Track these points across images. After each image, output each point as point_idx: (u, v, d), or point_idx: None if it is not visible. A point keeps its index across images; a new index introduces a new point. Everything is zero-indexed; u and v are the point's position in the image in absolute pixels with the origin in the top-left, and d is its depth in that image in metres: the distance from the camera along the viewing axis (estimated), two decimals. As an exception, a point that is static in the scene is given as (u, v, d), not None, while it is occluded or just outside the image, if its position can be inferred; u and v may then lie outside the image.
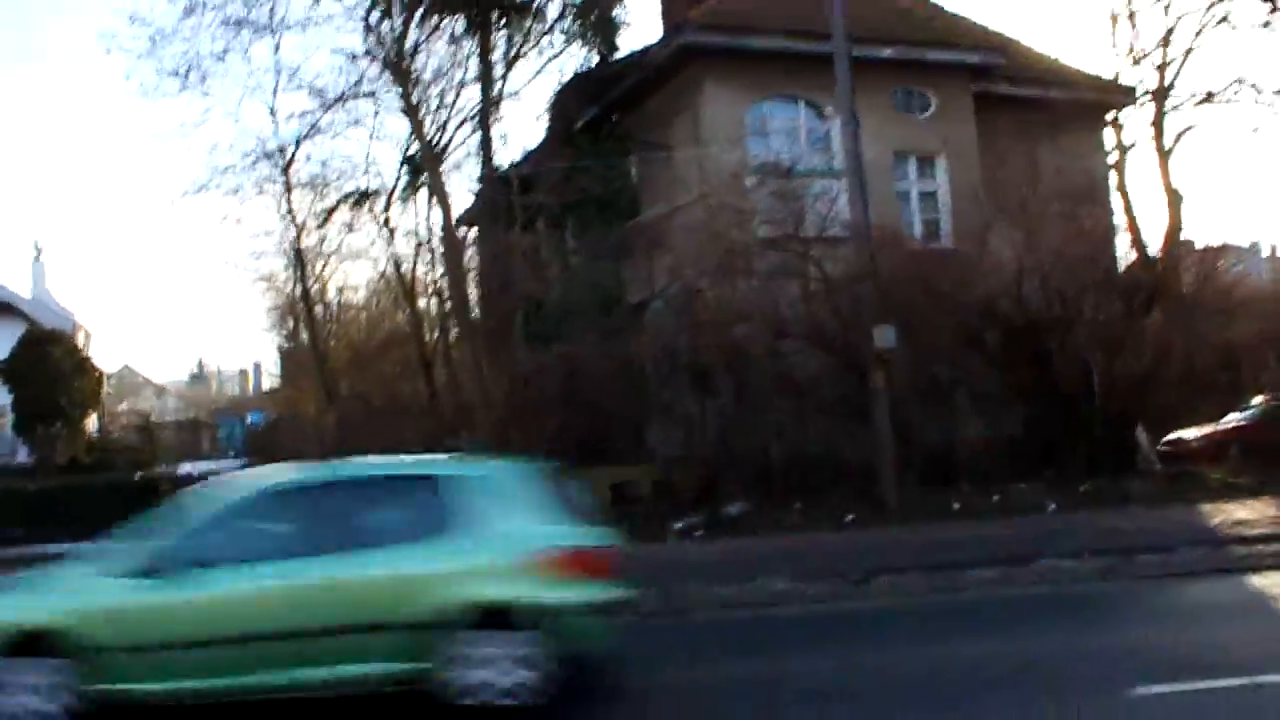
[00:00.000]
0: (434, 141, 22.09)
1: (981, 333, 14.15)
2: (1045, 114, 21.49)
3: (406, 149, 24.47)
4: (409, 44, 21.34)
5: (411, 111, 21.48)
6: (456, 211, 28.78)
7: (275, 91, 24.77)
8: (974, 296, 14.13)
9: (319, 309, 37.45)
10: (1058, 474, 14.40)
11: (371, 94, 22.00)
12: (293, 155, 25.11)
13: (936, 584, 10.16)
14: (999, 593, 9.92)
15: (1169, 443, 16.46)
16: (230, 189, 26.46)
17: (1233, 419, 18.16)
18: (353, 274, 45.08)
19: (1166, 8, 27.55)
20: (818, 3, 19.58)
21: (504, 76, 21.17)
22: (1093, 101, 22.59)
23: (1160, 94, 24.98)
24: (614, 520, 13.23)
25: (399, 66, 21.55)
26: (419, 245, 24.18)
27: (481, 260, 18.76)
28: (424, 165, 17.58)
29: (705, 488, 13.84)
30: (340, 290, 38.02)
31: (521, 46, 21.51)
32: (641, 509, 13.71)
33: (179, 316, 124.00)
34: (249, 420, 48.09)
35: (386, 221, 25.14)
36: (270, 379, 67.42)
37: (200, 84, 22.20)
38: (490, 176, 20.73)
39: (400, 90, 21.27)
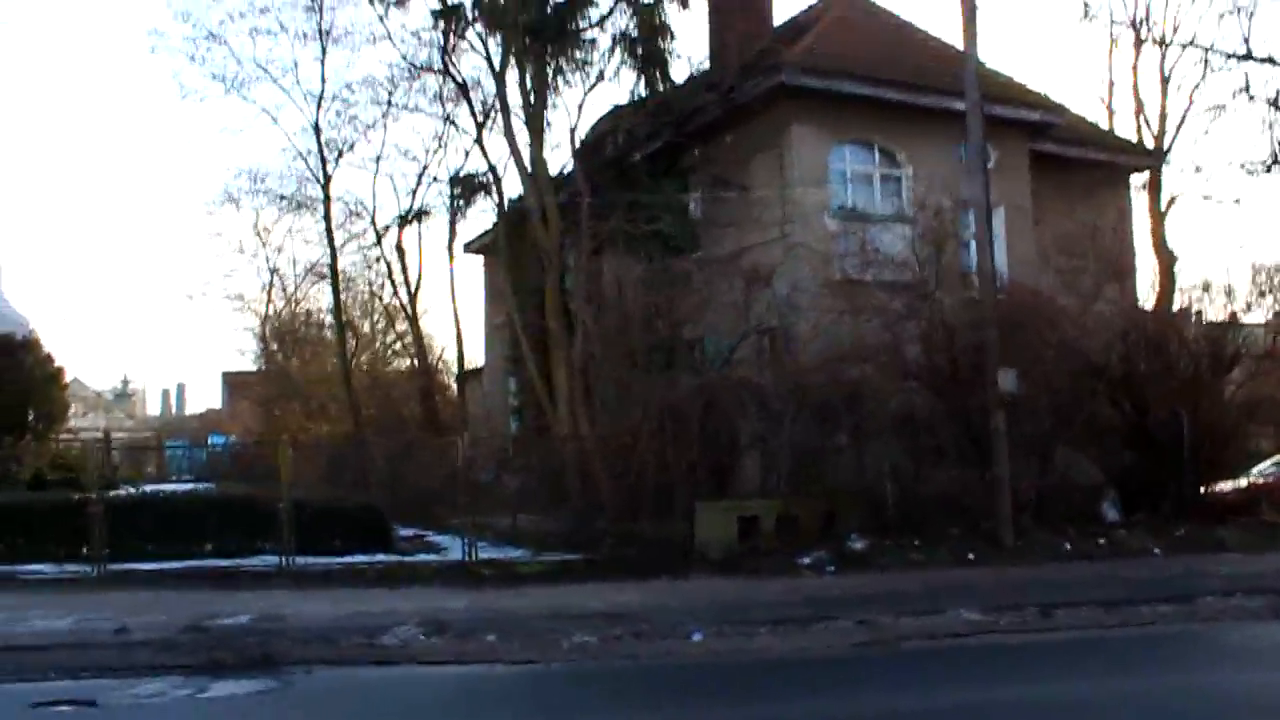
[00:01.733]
0: (494, 166, 22.28)
1: (1088, 383, 14.71)
2: (1083, 174, 22.64)
3: (459, 170, 24.59)
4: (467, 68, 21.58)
5: (479, 130, 21.62)
6: (467, 236, 28.90)
7: (320, 104, 24.75)
8: (1082, 348, 14.70)
9: (322, 333, 37.06)
10: (1149, 520, 14.99)
11: (445, 116, 22.02)
12: (334, 171, 25.08)
13: (1117, 618, 10.53)
14: (1182, 626, 10.32)
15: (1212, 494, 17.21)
16: (268, 200, 26.32)
17: (1265, 472, 19.10)
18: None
19: (1165, 81, 29.25)
20: (896, 51, 20.51)
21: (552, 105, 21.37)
22: (1124, 164, 23.81)
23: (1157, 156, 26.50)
24: (741, 553, 13.55)
25: (465, 87, 21.72)
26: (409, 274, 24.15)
27: (590, 288, 18.64)
28: (530, 185, 17.40)
29: (824, 523, 14.04)
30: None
31: (571, 74, 21.83)
32: (764, 543, 13.84)
33: (107, 330, 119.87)
34: (213, 442, 46.77)
35: (400, 247, 25.15)
36: (200, 399, 65.55)
37: (239, 89, 22.16)
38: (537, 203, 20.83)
39: (469, 108, 21.42)
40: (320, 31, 23.82)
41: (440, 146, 29.28)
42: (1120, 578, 12.37)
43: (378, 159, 26.28)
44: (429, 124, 29.90)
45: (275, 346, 39.53)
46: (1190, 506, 14.90)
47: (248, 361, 68.73)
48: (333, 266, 26.14)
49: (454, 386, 33.55)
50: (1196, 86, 28.84)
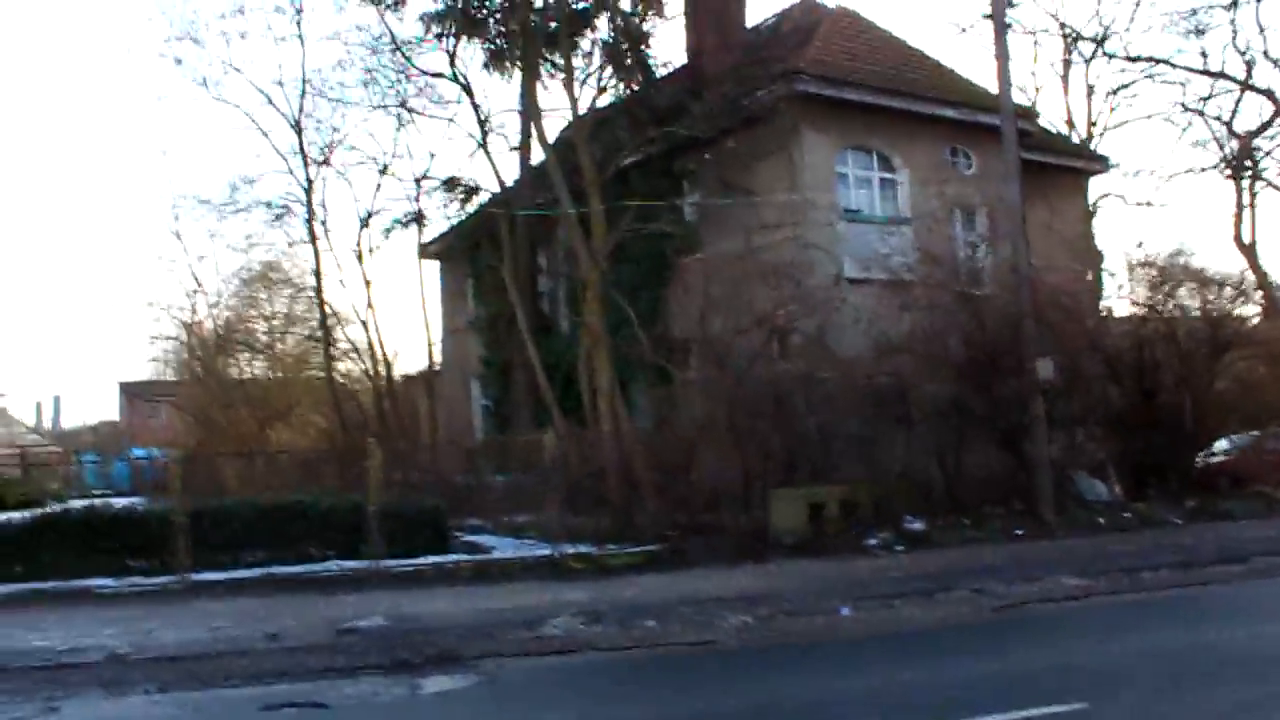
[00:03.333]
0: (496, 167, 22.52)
1: (1104, 370, 15.93)
2: (1047, 178, 24.19)
3: (425, 173, 24.55)
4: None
5: (482, 128, 21.77)
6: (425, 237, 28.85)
7: (301, 104, 24.36)
8: (1101, 338, 15.92)
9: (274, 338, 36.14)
10: (1159, 493, 16.32)
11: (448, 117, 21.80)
12: (316, 175, 24.70)
13: (1191, 578, 11.62)
14: (1256, 582, 11.46)
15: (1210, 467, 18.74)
16: (248, 205, 25.70)
17: (1238, 446, 20.80)
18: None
19: (1091, 89, 31.35)
20: (887, 61, 21.58)
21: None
22: (1083, 169, 25.51)
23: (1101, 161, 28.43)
24: (812, 536, 14.24)
25: (469, 87, 21.86)
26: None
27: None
28: (588, 190, 17.61)
29: (879, 506, 14.84)
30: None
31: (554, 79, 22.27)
32: (830, 527, 14.55)
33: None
34: (138, 455, 45.06)
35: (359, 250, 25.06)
36: (81, 411, 62.62)
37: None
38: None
39: (473, 105, 21.53)
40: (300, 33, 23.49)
41: (407, 152, 29.06)
42: (1168, 544, 13.54)
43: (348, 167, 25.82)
44: (385, 127, 30.13)
45: (207, 354, 38.34)
46: (1193, 480, 16.24)
47: (154, 370, 66.38)
48: (317, 271, 25.72)
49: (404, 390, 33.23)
50: (1114, 92, 31.09)
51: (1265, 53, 25.72)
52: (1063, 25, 29.50)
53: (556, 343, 24.45)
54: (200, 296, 41.25)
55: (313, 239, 24.79)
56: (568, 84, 19.94)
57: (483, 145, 22.05)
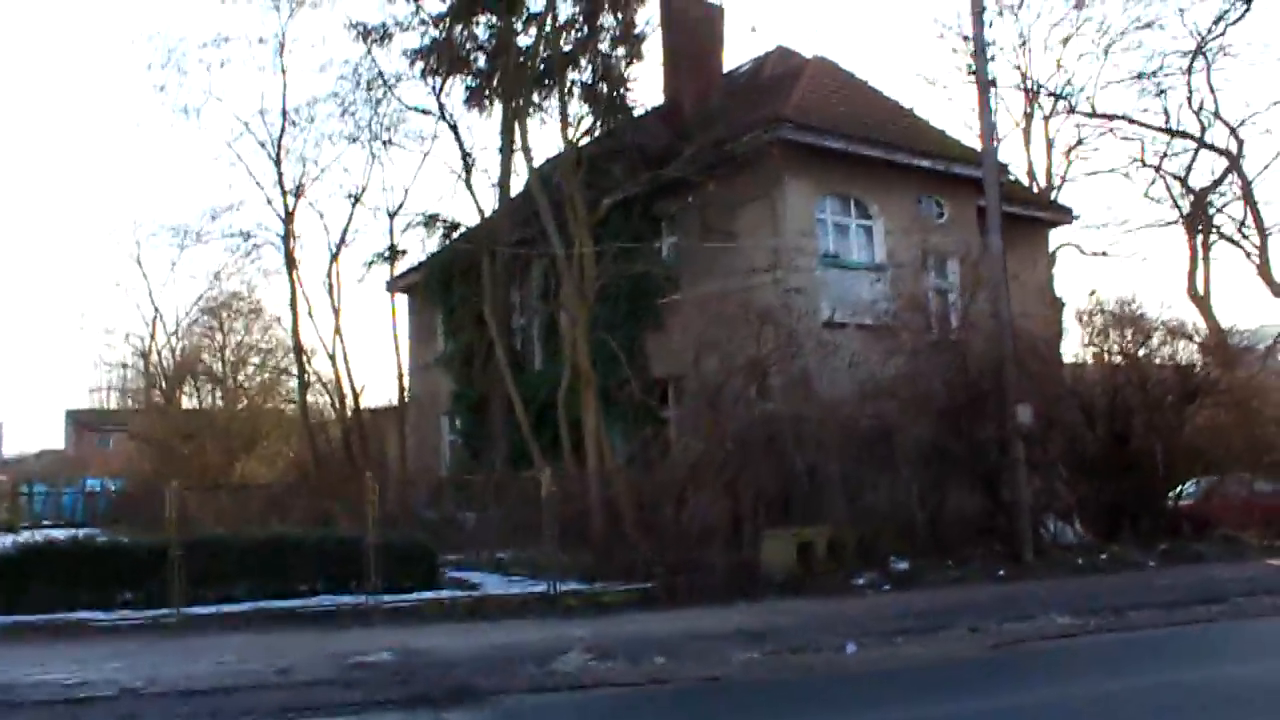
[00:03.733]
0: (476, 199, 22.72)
1: (1079, 416, 16.46)
2: (1015, 227, 24.94)
3: (397, 208, 24.66)
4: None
5: (465, 162, 22.00)
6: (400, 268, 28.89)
7: (280, 133, 24.39)
8: (1077, 385, 16.46)
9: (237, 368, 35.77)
10: (1131, 536, 16.82)
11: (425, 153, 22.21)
12: (295, 205, 24.68)
13: (1176, 617, 12.02)
14: (1236, 621, 11.88)
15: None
16: (225, 234, 25.57)
17: (1189, 494, 21.54)
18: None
19: (1050, 143, 32.46)
20: (862, 110, 22.21)
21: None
22: (1046, 219, 26.34)
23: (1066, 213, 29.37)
24: (801, 575, 14.47)
25: (454, 126, 22.10)
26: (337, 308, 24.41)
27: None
28: (576, 230, 17.84)
29: (864, 547, 15.14)
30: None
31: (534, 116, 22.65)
32: (818, 566, 14.80)
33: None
34: (91, 486, 44.12)
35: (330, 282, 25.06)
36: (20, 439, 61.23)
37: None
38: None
39: (457, 140, 21.77)
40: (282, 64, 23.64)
41: (382, 185, 29.15)
42: (1148, 585, 13.98)
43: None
44: (359, 160, 30.69)
45: (169, 383, 37.84)
46: (1165, 523, 16.77)
47: (101, 399, 64.98)
48: (293, 302, 25.58)
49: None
50: (1073, 148, 32.19)
51: (1216, 113, 26.66)
52: (1025, 77, 30.55)
53: (530, 379, 24.55)
54: (160, 325, 40.93)
55: (290, 269, 24.72)
56: (563, 126, 20.31)
57: (466, 180, 22.25)
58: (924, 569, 15.08)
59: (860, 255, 21.23)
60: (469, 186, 22.11)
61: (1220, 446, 17.54)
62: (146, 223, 70.49)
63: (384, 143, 24.67)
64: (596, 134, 22.56)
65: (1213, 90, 28.39)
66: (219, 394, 36.32)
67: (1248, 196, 24.67)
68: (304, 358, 26.48)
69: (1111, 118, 30.52)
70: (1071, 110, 29.18)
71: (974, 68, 18.29)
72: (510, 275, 25.13)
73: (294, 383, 35.72)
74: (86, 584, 13.17)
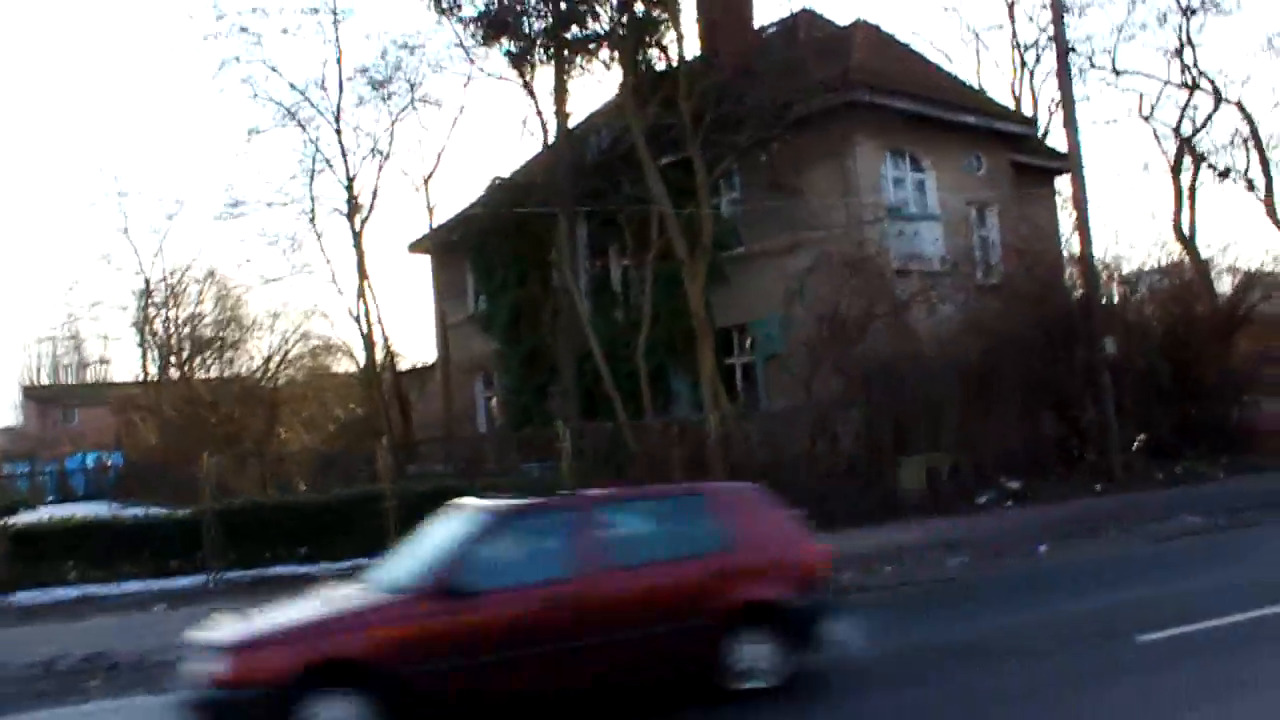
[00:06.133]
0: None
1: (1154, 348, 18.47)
2: (1029, 177, 26.83)
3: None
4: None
5: (539, 116, 22.96)
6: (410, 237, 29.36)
7: (339, 103, 24.76)
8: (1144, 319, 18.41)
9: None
10: (1198, 453, 18.84)
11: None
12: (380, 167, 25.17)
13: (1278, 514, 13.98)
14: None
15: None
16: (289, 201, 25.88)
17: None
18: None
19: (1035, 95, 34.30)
20: (919, 71, 23.74)
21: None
22: (1053, 169, 28.30)
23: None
24: (930, 496, 16.18)
25: (530, 85, 23.01)
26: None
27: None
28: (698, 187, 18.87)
29: (979, 470, 16.91)
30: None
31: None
32: (943, 488, 16.53)
33: None
34: (91, 460, 44.06)
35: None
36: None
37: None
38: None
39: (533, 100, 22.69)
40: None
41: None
42: (1232, 492, 15.92)
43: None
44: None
45: (174, 355, 37.84)
46: (1223, 440, 18.86)
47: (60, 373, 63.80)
48: (360, 265, 25.95)
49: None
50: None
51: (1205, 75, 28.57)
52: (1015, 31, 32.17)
53: (600, 332, 25.30)
54: (167, 294, 40.57)
55: (357, 239, 25.31)
56: (683, 87, 21.01)
57: (545, 142, 23.17)
58: (1031, 487, 16.91)
59: (916, 207, 22.88)
60: (548, 147, 23.03)
61: (1260, 371, 19.65)
62: (130, 189, 68.63)
63: (415, 104, 25.00)
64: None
65: (1191, 45, 30.11)
66: (234, 363, 36.55)
67: (1259, 143, 26.77)
68: (366, 322, 26.67)
69: (1118, 72, 32.14)
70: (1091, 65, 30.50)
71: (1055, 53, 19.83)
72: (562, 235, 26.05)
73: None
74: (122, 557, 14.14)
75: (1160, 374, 18.12)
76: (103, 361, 58.55)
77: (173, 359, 38.24)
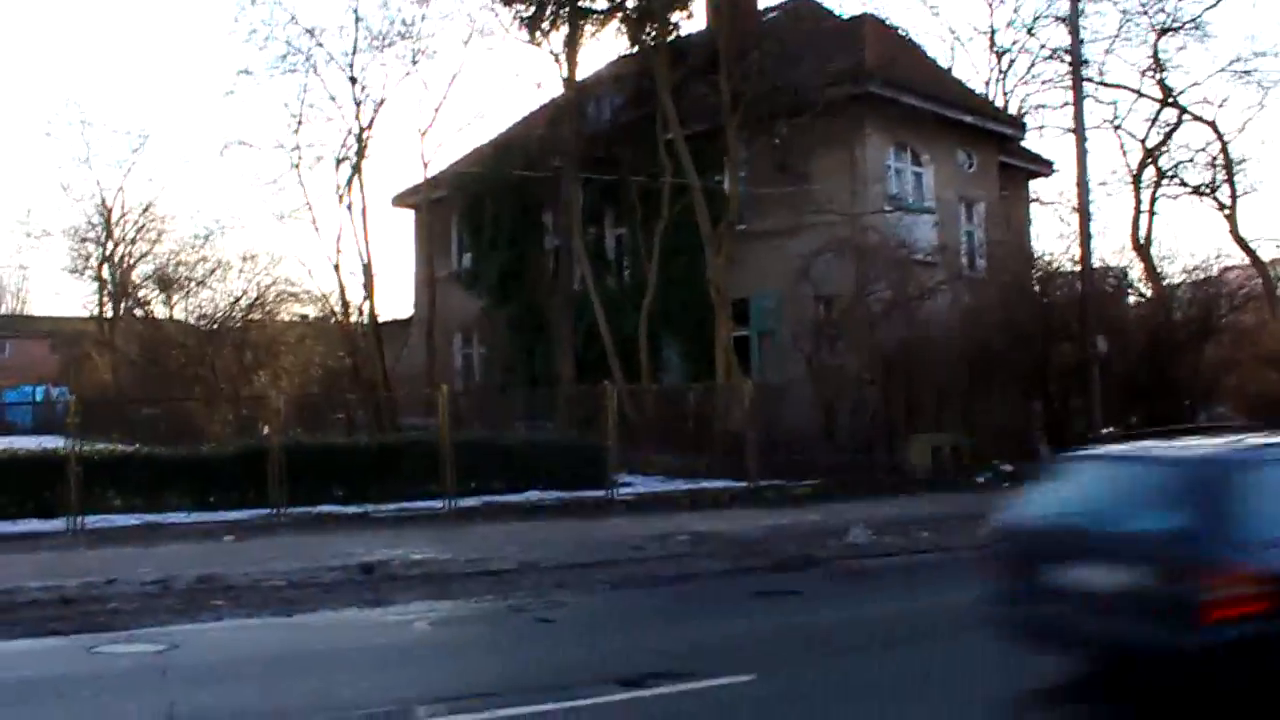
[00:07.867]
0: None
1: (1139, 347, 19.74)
2: (1008, 176, 28.09)
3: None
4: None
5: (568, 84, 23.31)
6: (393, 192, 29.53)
7: (354, 51, 24.55)
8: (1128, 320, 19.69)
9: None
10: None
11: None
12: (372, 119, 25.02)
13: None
14: None
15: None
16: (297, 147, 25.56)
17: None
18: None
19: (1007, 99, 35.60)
20: (921, 66, 24.64)
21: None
22: (1028, 170, 29.60)
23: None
24: (933, 473, 17.22)
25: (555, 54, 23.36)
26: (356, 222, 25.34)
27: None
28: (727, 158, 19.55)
29: (976, 451, 18.02)
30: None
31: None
32: (945, 466, 17.59)
33: None
34: (40, 393, 43.02)
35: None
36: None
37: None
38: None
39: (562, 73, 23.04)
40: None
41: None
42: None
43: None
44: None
45: (141, 292, 36.99)
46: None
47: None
48: (363, 215, 25.80)
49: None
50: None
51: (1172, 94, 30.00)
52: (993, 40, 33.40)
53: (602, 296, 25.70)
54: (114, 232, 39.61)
55: (360, 187, 25.25)
56: (728, 75, 21.45)
57: (572, 114, 23.54)
58: (1026, 469, 18.01)
59: (914, 199, 23.86)
60: (581, 115, 23.40)
61: (1224, 380, 21.10)
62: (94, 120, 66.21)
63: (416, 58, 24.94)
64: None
65: (1162, 64, 31.50)
66: (201, 305, 35.83)
67: (1228, 165, 28.38)
68: (366, 273, 26.48)
69: (1091, 81, 33.49)
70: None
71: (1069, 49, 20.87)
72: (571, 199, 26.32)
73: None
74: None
75: (1140, 373, 19.39)
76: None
77: (130, 296, 37.42)
